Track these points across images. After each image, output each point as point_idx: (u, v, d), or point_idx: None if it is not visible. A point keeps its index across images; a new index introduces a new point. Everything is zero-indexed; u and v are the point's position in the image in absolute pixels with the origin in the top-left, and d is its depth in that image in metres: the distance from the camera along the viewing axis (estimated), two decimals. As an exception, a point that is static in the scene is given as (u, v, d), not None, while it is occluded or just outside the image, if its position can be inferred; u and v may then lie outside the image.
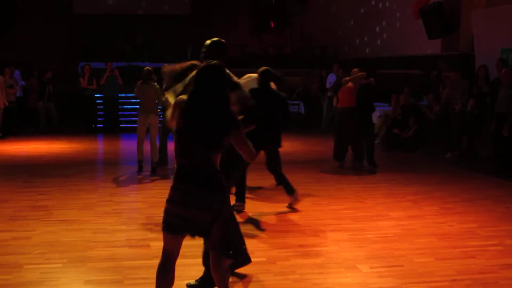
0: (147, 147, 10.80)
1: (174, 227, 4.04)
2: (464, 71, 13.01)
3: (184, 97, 4.08)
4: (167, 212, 4.06)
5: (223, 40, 5.03)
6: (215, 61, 4.09)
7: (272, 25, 24.88)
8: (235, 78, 5.08)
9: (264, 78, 7.98)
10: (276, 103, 7.93)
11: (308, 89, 19.50)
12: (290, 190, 8.06)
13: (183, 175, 4.01)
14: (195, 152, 3.98)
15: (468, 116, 12.20)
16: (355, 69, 11.35)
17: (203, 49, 5.03)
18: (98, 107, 17.89)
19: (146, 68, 10.89)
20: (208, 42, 5.07)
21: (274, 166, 8.11)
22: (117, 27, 22.51)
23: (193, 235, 4.09)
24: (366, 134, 11.21)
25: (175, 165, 4.09)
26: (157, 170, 10.65)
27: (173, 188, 4.05)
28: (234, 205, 7.52)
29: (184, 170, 4.01)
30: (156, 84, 10.52)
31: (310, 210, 7.98)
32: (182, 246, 6.24)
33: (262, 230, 7.03)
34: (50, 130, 17.19)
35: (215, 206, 3.97)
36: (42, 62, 19.77)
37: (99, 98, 17.73)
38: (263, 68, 8.07)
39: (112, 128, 17.38)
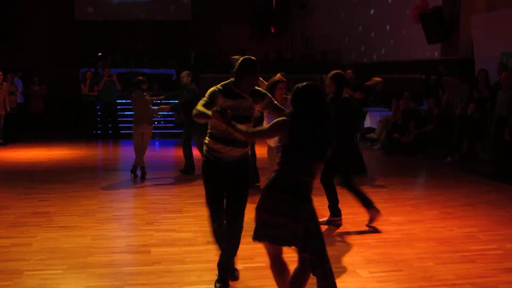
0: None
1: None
2: (464, 75, 13.01)
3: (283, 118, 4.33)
4: (262, 221, 4.22)
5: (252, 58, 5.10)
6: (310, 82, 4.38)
7: (273, 30, 24.93)
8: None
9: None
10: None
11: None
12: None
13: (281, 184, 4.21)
14: (305, 164, 4.19)
15: (468, 120, 12.21)
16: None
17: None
18: (98, 113, 17.92)
19: (137, 77, 10.87)
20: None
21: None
22: (118, 33, 22.60)
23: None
24: None
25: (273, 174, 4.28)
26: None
27: (269, 196, 4.21)
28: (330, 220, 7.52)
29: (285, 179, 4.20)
30: (145, 93, 10.56)
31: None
32: (181, 252, 6.29)
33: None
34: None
35: (307, 215, 4.17)
36: (43, 68, 19.84)
37: (99, 104, 17.76)
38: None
39: (112, 134, 17.40)
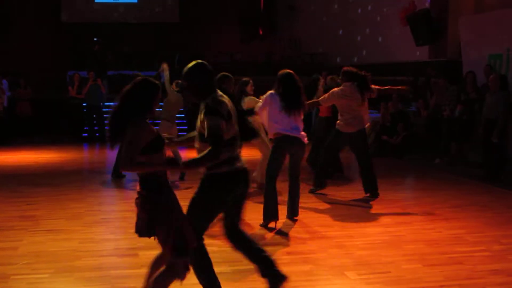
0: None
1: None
2: (452, 77, 13.07)
3: None
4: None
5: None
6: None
7: (261, 32, 24.95)
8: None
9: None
10: None
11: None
12: None
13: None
14: None
15: (456, 122, 12.25)
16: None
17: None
18: (85, 116, 17.86)
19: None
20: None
21: None
22: (105, 35, 22.53)
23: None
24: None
25: None
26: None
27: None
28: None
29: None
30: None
31: (298, 217, 7.96)
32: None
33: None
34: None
35: (148, 206, 4.26)
36: (30, 71, 19.72)
37: (85, 107, 17.71)
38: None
39: (99, 137, 17.35)
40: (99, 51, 18.92)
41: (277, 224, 7.48)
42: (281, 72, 7.54)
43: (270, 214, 7.43)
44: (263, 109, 7.66)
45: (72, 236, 7.02)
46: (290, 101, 7.35)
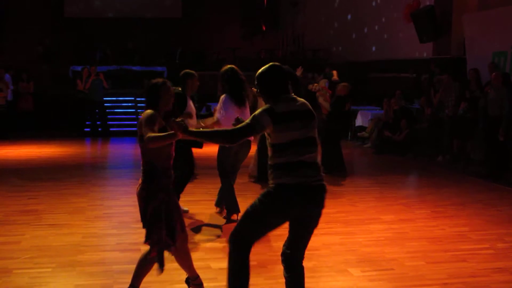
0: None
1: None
2: (455, 75, 13.02)
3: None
4: None
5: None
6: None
7: (264, 28, 24.91)
8: None
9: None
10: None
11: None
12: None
13: None
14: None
15: (459, 120, 12.21)
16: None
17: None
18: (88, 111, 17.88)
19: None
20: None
21: None
22: (108, 31, 22.54)
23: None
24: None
25: None
26: None
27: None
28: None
29: None
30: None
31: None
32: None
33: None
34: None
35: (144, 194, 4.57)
36: (33, 65, 19.71)
37: (87, 102, 17.71)
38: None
39: (101, 131, 17.37)
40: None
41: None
42: (224, 68, 7.49)
43: (232, 208, 7.51)
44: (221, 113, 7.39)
45: (75, 231, 7.01)
46: (239, 96, 7.29)
